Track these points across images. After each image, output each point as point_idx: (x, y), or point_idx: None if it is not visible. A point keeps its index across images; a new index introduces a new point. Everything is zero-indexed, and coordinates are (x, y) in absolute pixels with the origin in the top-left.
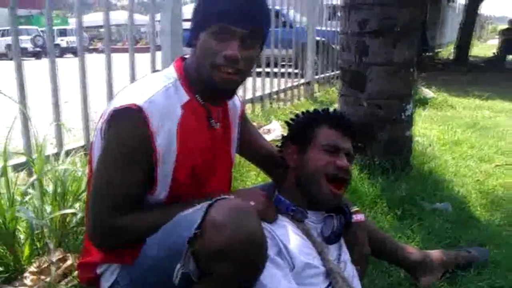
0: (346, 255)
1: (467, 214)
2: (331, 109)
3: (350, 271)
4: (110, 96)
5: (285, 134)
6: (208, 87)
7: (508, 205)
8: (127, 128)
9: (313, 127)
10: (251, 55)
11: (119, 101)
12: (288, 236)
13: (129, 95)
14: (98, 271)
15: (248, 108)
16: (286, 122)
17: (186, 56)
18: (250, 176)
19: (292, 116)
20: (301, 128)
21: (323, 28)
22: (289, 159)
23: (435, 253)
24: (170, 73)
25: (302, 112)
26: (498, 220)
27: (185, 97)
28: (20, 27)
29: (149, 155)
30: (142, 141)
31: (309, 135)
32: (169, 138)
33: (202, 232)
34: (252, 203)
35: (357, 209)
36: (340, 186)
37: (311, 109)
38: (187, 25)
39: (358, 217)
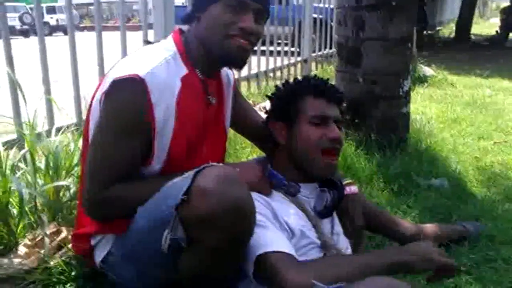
0: (338, 227)
1: (463, 190)
2: (311, 78)
3: (343, 243)
4: (102, 74)
5: (267, 109)
6: (219, 57)
7: (504, 181)
8: (127, 98)
9: (297, 100)
10: (260, 30)
11: (120, 72)
12: (283, 208)
13: (129, 65)
14: (92, 242)
15: (244, 86)
16: (268, 97)
17: (183, 29)
18: (245, 153)
19: (274, 91)
20: (285, 104)
21: (321, 5)
22: (277, 136)
23: (430, 227)
24: (169, 45)
25: (283, 84)
26: (494, 195)
27: (184, 70)
28: (7, 4)
29: (147, 127)
30: (141, 112)
31: (294, 109)
32: (168, 111)
33: (189, 198)
34: (242, 175)
35: (350, 181)
36: (334, 155)
37: (291, 80)
38: (178, 1)
39: (352, 189)
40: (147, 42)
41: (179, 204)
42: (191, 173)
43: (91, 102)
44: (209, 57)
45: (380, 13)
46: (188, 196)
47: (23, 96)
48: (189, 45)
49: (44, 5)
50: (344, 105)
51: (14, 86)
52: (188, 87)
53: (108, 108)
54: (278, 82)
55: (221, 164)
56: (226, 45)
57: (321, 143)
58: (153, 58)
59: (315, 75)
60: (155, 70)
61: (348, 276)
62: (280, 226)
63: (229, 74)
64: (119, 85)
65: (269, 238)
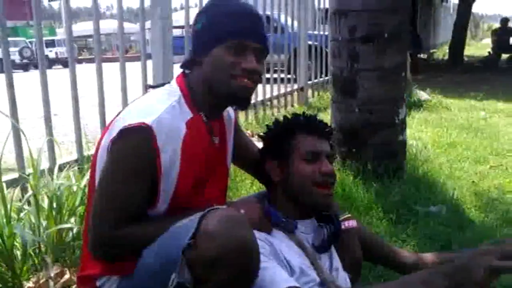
0: (337, 262)
1: (462, 216)
2: (301, 115)
3: (342, 278)
4: (102, 107)
5: (260, 148)
6: (225, 98)
7: (502, 206)
8: (135, 145)
9: (288, 138)
10: (262, 69)
11: (127, 120)
12: (283, 246)
13: (137, 113)
14: (98, 283)
15: (241, 115)
16: (260, 136)
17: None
18: (245, 186)
19: (266, 130)
20: (277, 142)
21: (316, 32)
22: (273, 174)
23: (429, 256)
24: (174, 90)
25: (273, 123)
26: (493, 220)
27: (189, 114)
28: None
29: (153, 171)
30: (148, 157)
31: (287, 147)
32: (174, 155)
33: (195, 241)
34: (245, 213)
35: (348, 215)
36: (329, 188)
37: (281, 118)
38: (177, 32)
39: (350, 223)
40: (148, 86)
41: (185, 247)
42: (196, 216)
43: (97, 148)
44: (214, 99)
45: (373, 45)
46: (194, 239)
47: (26, 139)
48: (193, 89)
49: (43, 38)
50: (334, 138)
51: (18, 132)
52: (193, 130)
53: (116, 153)
54: (276, 111)
55: (224, 206)
56: (232, 85)
57: (315, 178)
58: (159, 105)
59: (304, 112)
60: (161, 116)
61: None
62: (280, 263)
63: (229, 110)
64: (127, 133)
65: (276, 276)
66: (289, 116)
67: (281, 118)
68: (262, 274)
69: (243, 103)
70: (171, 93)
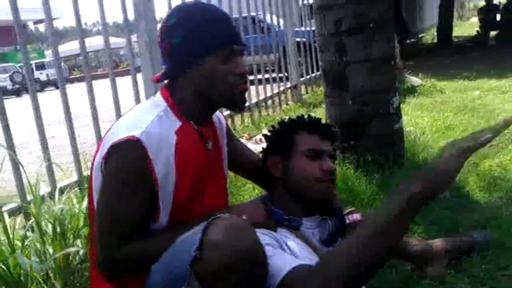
0: None
1: (466, 198)
2: (306, 116)
3: None
4: (97, 124)
5: (263, 146)
6: (225, 103)
7: (506, 184)
8: (126, 159)
9: (292, 135)
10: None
11: (116, 136)
12: (290, 243)
13: (124, 128)
14: None
15: (237, 120)
16: (264, 135)
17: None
18: (247, 190)
19: (269, 128)
20: (281, 138)
21: (303, 29)
22: (274, 170)
23: (437, 242)
24: (159, 101)
25: (278, 123)
26: (497, 200)
27: (177, 123)
28: None
29: (149, 183)
30: (142, 170)
31: (289, 144)
32: (167, 164)
33: (201, 253)
34: (248, 216)
35: (352, 209)
36: (330, 181)
37: (286, 119)
38: None
39: (354, 216)
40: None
41: (192, 260)
42: (199, 227)
43: (92, 167)
44: (208, 108)
45: (360, 36)
46: (200, 251)
47: (23, 168)
48: (179, 99)
49: (33, 62)
50: (336, 140)
51: (15, 161)
52: (184, 137)
53: (109, 170)
54: (271, 111)
55: (226, 213)
56: (234, 95)
57: (316, 174)
58: (145, 117)
59: (309, 114)
60: (149, 127)
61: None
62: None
63: (219, 116)
64: (116, 149)
65: (282, 260)
66: (294, 117)
67: (286, 119)
68: (269, 263)
69: (242, 106)
70: (156, 105)
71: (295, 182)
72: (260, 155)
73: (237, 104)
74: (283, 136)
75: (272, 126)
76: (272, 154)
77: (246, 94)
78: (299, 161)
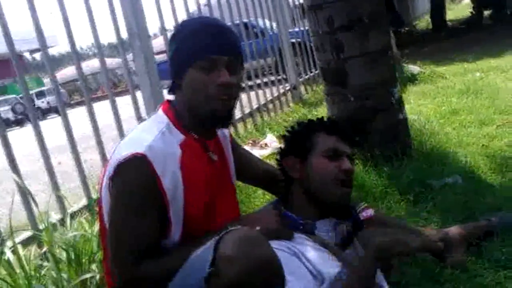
0: (362, 253)
1: (479, 182)
2: (324, 117)
3: None
4: (101, 147)
5: (281, 147)
6: (206, 118)
7: None
8: (134, 176)
9: (310, 136)
10: (238, 80)
11: (121, 155)
12: (309, 251)
13: (128, 147)
14: None
15: (241, 127)
16: (282, 136)
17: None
18: (258, 196)
19: (287, 129)
20: (299, 139)
21: (297, 29)
22: (291, 171)
23: (454, 229)
24: (160, 117)
25: (296, 124)
26: (511, 181)
27: (181, 136)
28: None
29: (159, 198)
30: (150, 185)
31: (308, 144)
32: (175, 178)
33: (216, 268)
34: (261, 226)
35: (365, 205)
36: (348, 187)
37: (304, 119)
38: (159, 58)
39: (368, 212)
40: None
41: (207, 276)
42: (212, 241)
43: (100, 189)
44: (199, 120)
45: (355, 32)
46: (214, 266)
47: (33, 198)
48: (179, 113)
49: (32, 91)
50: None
51: (24, 192)
52: (188, 151)
53: (117, 190)
54: (273, 115)
55: (238, 225)
56: (210, 106)
57: (335, 175)
58: (148, 134)
59: (328, 117)
60: (152, 144)
61: None
62: (306, 272)
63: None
64: (123, 166)
65: None
66: (312, 118)
67: (303, 120)
68: None
69: (224, 121)
70: (158, 121)
71: (313, 181)
72: (267, 160)
73: (217, 118)
74: (301, 137)
75: (291, 127)
76: (289, 155)
77: (232, 109)
78: (318, 161)
